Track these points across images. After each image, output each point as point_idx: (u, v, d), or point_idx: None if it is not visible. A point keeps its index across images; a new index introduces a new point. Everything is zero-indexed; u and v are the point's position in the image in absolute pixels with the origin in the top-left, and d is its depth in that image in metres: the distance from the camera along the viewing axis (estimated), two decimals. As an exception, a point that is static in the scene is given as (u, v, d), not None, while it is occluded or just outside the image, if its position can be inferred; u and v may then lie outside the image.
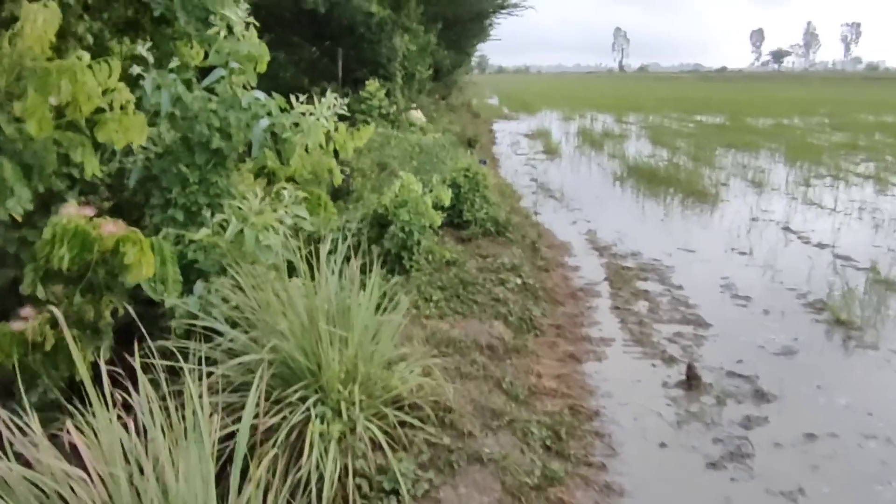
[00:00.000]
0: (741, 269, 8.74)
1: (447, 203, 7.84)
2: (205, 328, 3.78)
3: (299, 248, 3.98)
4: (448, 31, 27.13)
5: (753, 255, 9.37)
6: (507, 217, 9.16)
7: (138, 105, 4.17)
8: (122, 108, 3.87)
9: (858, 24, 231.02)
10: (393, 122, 17.67)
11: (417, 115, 21.49)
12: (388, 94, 18.14)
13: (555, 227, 11.16)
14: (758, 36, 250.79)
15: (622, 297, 7.58)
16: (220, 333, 3.81)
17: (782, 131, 26.55)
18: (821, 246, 9.87)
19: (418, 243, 6.99)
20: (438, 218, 7.38)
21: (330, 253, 4.05)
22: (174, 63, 4.81)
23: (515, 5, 29.57)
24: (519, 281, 7.08)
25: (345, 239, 4.76)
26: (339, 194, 8.06)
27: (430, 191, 7.78)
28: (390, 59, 18.31)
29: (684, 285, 8.02)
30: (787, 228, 10.91)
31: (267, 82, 5.93)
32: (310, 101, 5.38)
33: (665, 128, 28.59)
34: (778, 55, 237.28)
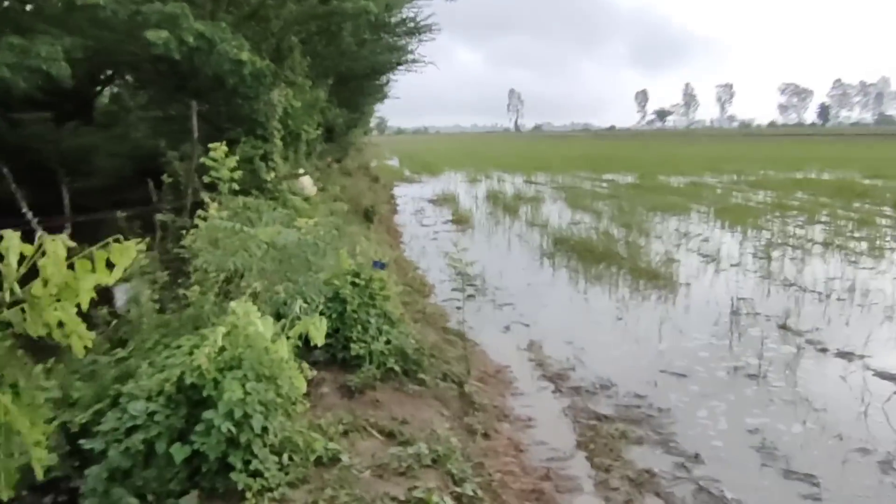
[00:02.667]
0: (768, 411, 5.95)
1: (320, 341, 4.65)
2: None
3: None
4: (341, 88, 24.29)
5: (768, 379, 6.64)
6: (418, 345, 6.06)
7: None
8: None
9: (731, 86, 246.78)
10: (267, 194, 14.46)
11: (305, 183, 18.34)
12: (264, 158, 15.01)
13: (483, 336, 8.20)
14: (642, 97, 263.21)
15: (618, 493, 4.57)
16: None
17: (701, 190, 24.98)
18: (845, 356, 7.27)
19: (263, 433, 3.80)
20: (303, 380, 4.22)
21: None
22: None
23: (414, 61, 27.13)
24: (450, 496, 3.95)
25: None
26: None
27: (291, 324, 4.60)
28: (268, 117, 15.19)
29: (702, 453, 5.12)
30: (784, 327, 8.31)
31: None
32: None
33: (579, 189, 26.56)
34: (661, 114, 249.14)
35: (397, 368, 5.62)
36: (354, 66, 23.66)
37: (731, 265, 12.03)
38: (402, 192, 28.44)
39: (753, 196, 22.76)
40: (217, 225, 5.61)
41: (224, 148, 7.19)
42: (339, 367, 5.75)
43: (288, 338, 4.40)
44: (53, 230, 5.35)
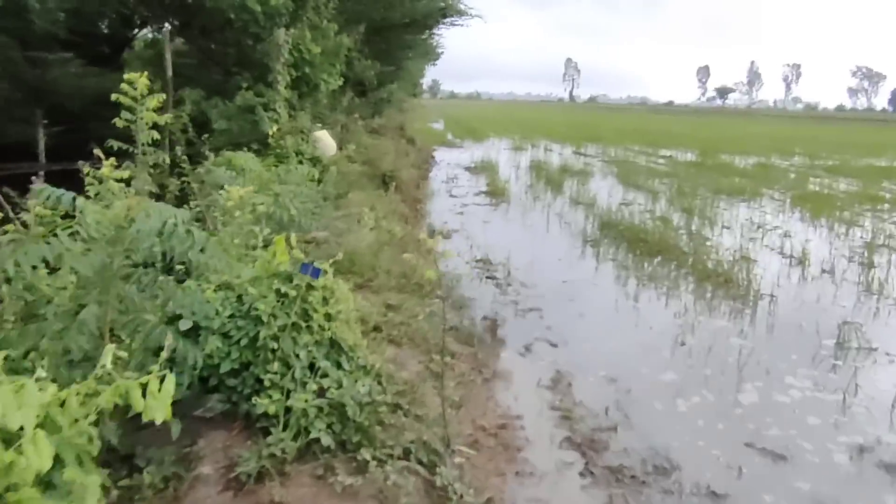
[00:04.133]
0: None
1: (159, 416, 2.50)
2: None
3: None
4: (375, 38, 21.99)
5: (919, 477, 4.30)
6: (374, 395, 3.86)
7: None
8: None
9: (799, 66, 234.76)
10: (266, 150, 12.38)
11: (324, 140, 16.24)
12: (266, 108, 12.92)
13: (494, 357, 5.99)
14: (704, 72, 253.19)
15: None
16: None
17: (770, 173, 22.12)
18: None
19: None
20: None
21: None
22: None
23: (459, 12, 24.56)
24: None
25: None
26: None
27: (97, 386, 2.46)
28: (272, 59, 13.08)
29: None
30: (919, 376, 5.92)
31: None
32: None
33: (633, 164, 23.88)
34: (723, 91, 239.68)
35: (327, 440, 3.46)
36: (390, 14, 21.31)
37: (823, 271, 9.51)
38: (440, 156, 26.12)
39: (833, 183, 19.85)
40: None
41: (144, 77, 5.01)
42: (241, 426, 3.63)
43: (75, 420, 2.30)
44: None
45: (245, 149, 12.28)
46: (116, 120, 5.18)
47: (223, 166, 10.42)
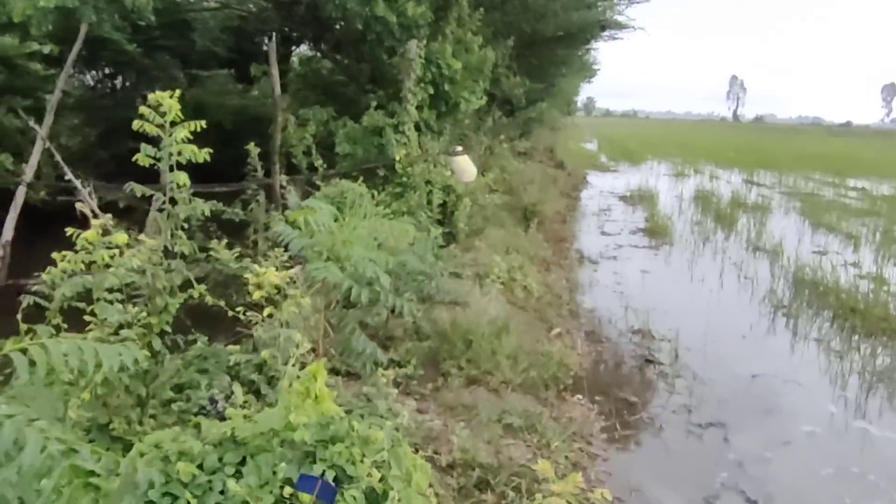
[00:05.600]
0: None
1: None
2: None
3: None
4: (525, 52, 20.26)
5: None
6: None
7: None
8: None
9: None
10: (392, 177, 10.91)
11: (463, 165, 14.67)
12: (397, 130, 11.48)
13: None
14: (890, 90, 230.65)
15: None
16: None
17: None
18: None
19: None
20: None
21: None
22: None
23: (620, 25, 22.29)
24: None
25: None
26: None
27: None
28: (402, 74, 11.65)
29: None
30: None
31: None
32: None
33: (818, 197, 20.49)
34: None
35: None
36: (542, 27, 19.44)
37: None
38: (592, 181, 23.91)
39: None
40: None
41: (167, 95, 3.54)
42: None
43: None
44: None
45: (369, 174, 10.97)
46: (138, 157, 3.74)
47: (336, 197, 9.10)
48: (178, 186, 3.83)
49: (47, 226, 10.67)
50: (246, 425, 2.42)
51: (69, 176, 10.11)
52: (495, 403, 4.79)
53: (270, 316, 3.14)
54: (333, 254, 4.06)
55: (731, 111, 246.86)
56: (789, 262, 10.91)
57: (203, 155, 3.88)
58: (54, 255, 3.27)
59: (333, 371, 4.73)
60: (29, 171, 9.99)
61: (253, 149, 10.16)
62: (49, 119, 9.67)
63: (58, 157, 9.82)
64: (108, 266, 3.30)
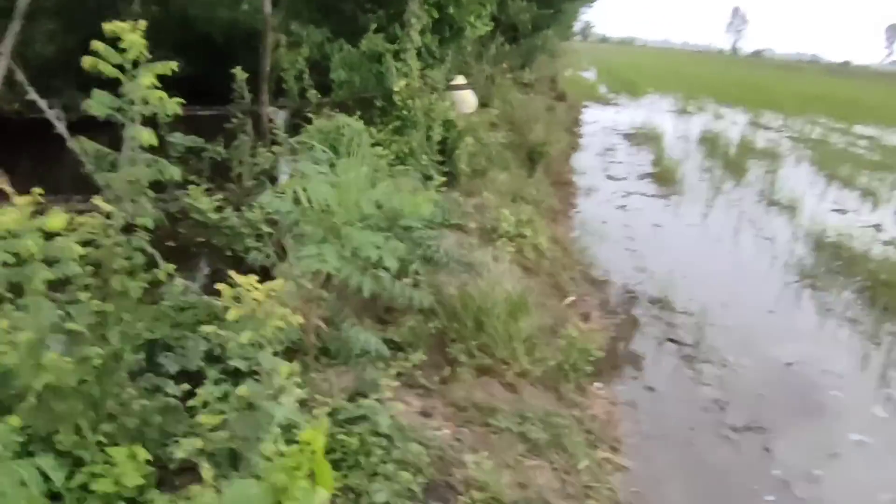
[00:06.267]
0: None
1: None
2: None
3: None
4: (532, -27, 18.95)
5: None
6: None
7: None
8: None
9: None
10: (390, 110, 10.00)
11: (464, 97, 13.71)
12: (396, 56, 10.47)
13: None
14: (894, 31, 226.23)
15: None
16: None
17: None
18: None
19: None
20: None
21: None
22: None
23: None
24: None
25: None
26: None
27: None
28: (395, -1, 10.60)
29: None
30: None
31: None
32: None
33: (828, 145, 19.69)
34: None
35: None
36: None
37: None
38: (592, 115, 22.88)
39: None
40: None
41: (128, 27, 2.68)
42: None
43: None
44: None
45: (366, 105, 10.07)
46: (89, 104, 2.94)
47: (331, 133, 8.23)
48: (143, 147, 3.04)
49: (24, 140, 9.71)
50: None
51: (32, 96, 9.14)
52: (512, 403, 4.15)
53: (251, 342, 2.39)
54: (331, 233, 3.31)
55: (731, 44, 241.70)
56: (807, 223, 10.25)
57: (174, 106, 3.07)
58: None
59: (324, 352, 4.05)
60: (-10, 83, 9.00)
61: (240, 73, 9.19)
62: (16, 25, 8.60)
63: (18, 73, 8.82)
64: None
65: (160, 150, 3.18)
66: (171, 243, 6.12)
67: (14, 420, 2.67)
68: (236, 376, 3.17)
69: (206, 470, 2.20)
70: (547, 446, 3.71)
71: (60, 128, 8.75)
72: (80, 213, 3.25)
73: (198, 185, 6.58)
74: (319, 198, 3.21)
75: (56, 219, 2.55)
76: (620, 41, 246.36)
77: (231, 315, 2.36)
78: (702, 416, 4.85)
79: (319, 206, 3.22)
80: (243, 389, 2.35)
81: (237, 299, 2.37)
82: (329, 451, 3.20)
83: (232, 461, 2.97)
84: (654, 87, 36.15)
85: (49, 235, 2.71)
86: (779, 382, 5.47)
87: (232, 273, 2.46)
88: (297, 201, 3.25)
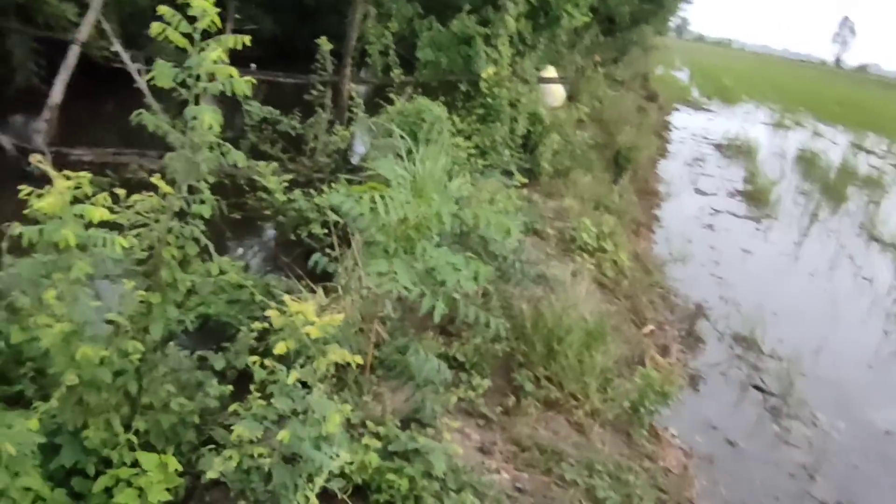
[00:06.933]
0: None
1: None
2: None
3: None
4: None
5: None
6: None
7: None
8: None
9: None
10: (475, 96, 9.57)
11: (552, 90, 13.16)
12: (488, 40, 10.01)
13: None
14: None
15: None
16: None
17: None
18: None
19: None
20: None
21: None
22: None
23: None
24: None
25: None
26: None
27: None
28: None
29: None
30: None
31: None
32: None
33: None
34: None
35: None
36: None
37: None
38: (681, 121, 21.88)
39: None
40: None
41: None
42: None
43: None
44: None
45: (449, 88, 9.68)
46: (154, 75, 2.64)
47: (411, 117, 7.87)
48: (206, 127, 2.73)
49: (110, 88, 9.71)
50: None
51: (116, 47, 9.06)
52: (579, 447, 3.73)
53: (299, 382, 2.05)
54: (404, 243, 2.95)
55: (835, 56, 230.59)
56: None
57: (242, 86, 2.74)
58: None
59: (380, 361, 3.72)
60: (84, 29, 8.97)
61: (325, 42, 8.93)
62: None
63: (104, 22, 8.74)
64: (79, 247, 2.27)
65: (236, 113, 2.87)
66: (236, 215, 5.93)
67: (34, 423, 2.43)
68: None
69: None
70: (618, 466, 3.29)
71: (140, 83, 8.70)
72: (151, 172, 2.99)
73: (269, 159, 6.36)
74: (398, 208, 2.84)
75: (96, 209, 2.24)
76: (716, 42, 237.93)
77: (278, 349, 2.02)
78: (787, 484, 4.33)
79: (397, 216, 2.85)
80: (285, 435, 2.01)
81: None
82: (376, 489, 2.88)
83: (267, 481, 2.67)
84: (750, 95, 34.55)
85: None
86: (876, 454, 4.88)
87: (287, 298, 2.11)
88: (372, 207, 2.88)
